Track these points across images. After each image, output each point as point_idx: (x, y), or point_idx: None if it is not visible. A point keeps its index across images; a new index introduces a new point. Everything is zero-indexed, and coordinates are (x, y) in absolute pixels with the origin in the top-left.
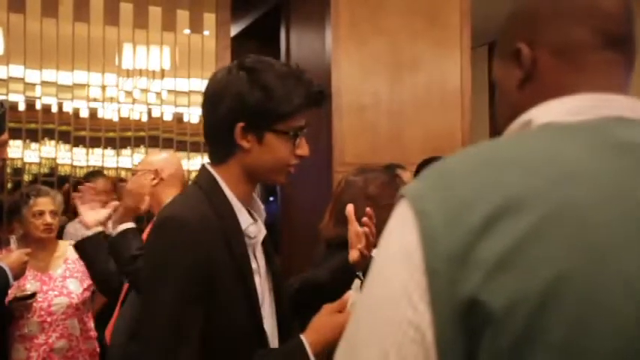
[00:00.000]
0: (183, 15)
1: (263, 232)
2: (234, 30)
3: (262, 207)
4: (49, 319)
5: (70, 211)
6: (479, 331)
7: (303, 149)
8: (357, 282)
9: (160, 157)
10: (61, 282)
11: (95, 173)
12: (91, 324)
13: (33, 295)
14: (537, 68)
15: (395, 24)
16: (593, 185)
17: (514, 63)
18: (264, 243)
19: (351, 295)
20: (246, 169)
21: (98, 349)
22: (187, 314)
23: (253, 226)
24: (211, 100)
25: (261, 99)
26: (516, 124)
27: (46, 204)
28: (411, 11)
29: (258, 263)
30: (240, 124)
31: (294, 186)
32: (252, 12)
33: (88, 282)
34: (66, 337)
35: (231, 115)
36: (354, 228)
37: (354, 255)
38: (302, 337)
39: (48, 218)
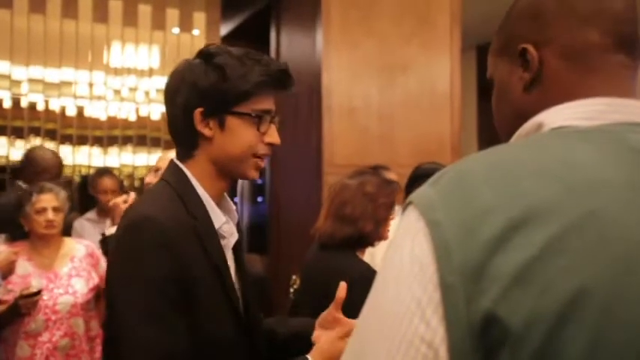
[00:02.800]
0: (172, 14)
1: (235, 235)
2: (224, 30)
3: (233, 207)
4: (53, 318)
5: (77, 208)
6: (496, 347)
7: (273, 136)
8: None
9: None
10: (67, 280)
11: (103, 171)
12: (96, 323)
13: (38, 292)
14: (545, 70)
15: (385, 26)
16: (613, 195)
17: (518, 64)
18: (234, 247)
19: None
20: (214, 161)
21: (99, 349)
22: (169, 319)
23: (227, 225)
24: (169, 93)
25: (215, 80)
26: (526, 128)
27: (48, 200)
28: (402, 13)
29: (229, 266)
30: (199, 110)
31: (283, 187)
32: (242, 12)
33: (93, 282)
34: (70, 335)
35: (189, 103)
36: (333, 312)
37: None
38: (308, 357)
39: (50, 215)
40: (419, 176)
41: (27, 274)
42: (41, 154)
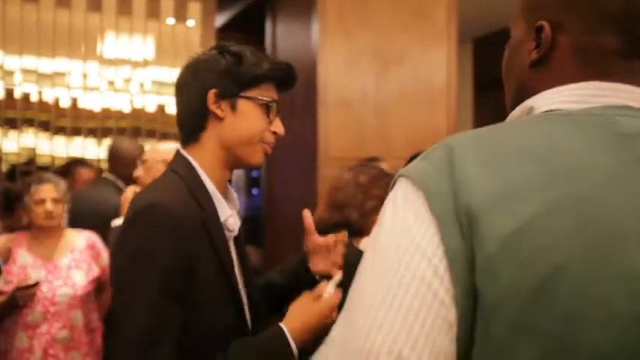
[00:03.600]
0: (167, 4)
1: (238, 224)
2: (219, 21)
3: (236, 196)
4: (52, 310)
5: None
6: (475, 319)
7: (278, 127)
8: (337, 276)
9: (170, 146)
10: (66, 272)
11: (80, 162)
12: (95, 315)
13: (36, 284)
14: (554, 55)
15: (381, 18)
16: (596, 179)
17: (532, 37)
18: (237, 237)
19: (330, 286)
20: (221, 143)
21: (98, 341)
22: (166, 310)
23: (232, 219)
24: (184, 80)
25: (231, 63)
26: (517, 112)
27: (47, 191)
28: (398, 5)
29: (232, 257)
30: (213, 91)
31: (279, 179)
32: (238, 2)
33: (93, 274)
34: (69, 327)
35: (204, 86)
36: (314, 239)
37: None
38: (282, 324)
39: (49, 206)
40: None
41: (26, 264)
42: (125, 146)
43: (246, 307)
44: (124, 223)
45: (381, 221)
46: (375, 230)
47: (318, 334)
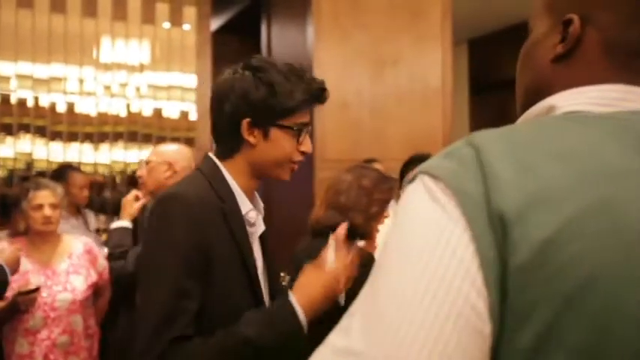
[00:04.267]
0: (162, 8)
1: (262, 226)
2: (215, 24)
3: (262, 205)
4: (52, 315)
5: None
6: (502, 325)
7: (307, 145)
8: (332, 242)
9: (173, 148)
10: (65, 277)
11: (73, 167)
12: (93, 321)
13: (37, 289)
14: (579, 50)
15: (376, 19)
16: (627, 184)
17: (558, 30)
18: (262, 239)
19: (329, 253)
20: (252, 165)
21: (96, 346)
22: (187, 291)
23: (253, 212)
24: (218, 99)
25: (265, 95)
26: (536, 110)
27: (45, 197)
28: (393, 7)
29: (256, 256)
30: (247, 120)
31: (275, 181)
32: (233, 6)
33: (91, 279)
34: (68, 332)
35: (238, 112)
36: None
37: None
38: (290, 294)
39: (47, 211)
40: (414, 159)
41: (25, 270)
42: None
43: (266, 297)
44: (150, 211)
45: (403, 221)
46: (396, 231)
47: (324, 305)
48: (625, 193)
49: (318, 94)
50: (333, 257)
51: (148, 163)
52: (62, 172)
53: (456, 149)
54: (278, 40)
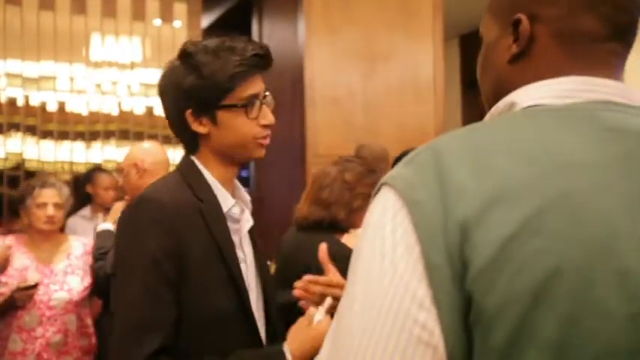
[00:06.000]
0: (153, 5)
1: (250, 221)
2: (206, 21)
3: (248, 198)
4: (47, 313)
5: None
6: (472, 328)
7: (267, 117)
8: (327, 302)
9: (139, 148)
10: (63, 277)
11: (101, 169)
12: (88, 321)
13: (35, 285)
14: (534, 46)
15: (367, 15)
16: (587, 176)
17: (509, 32)
18: (251, 233)
19: (316, 311)
20: (217, 153)
21: (92, 345)
22: (159, 298)
23: (237, 208)
24: (160, 96)
25: (194, 80)
26: (499, 107)
27: (49, 196)
28: (383, 2)
29: (245, 252)
30: (189, 111)
31: (267, 178)
32: (224, 2)
33: (88, 280)
34: (63, 332)
35: (178, 105)
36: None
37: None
38: (284, 345)
39: (50, 210)
40: (404, 155)
41: (24, 267)
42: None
43: (252, 295)
44: (121, 215)
45: (363, 234)
46: (358, 244)
47: (313, 356)
48: (583, 185)
49: (253, 61)
50: (322, 318)
51: (121, 170)
52: (89, 174)
53: (416, 155)
54: (269, 36)
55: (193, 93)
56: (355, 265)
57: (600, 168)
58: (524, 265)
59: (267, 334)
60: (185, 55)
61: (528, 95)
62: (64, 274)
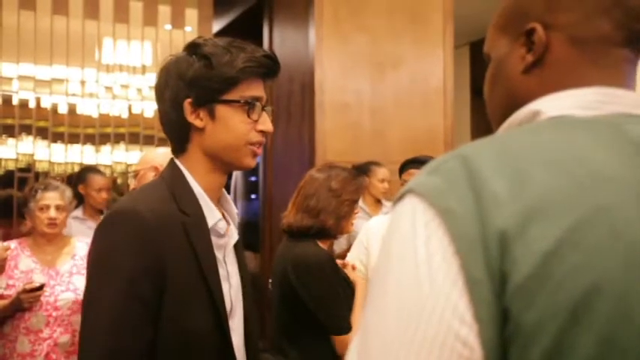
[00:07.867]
0: (164, 10)
1: (235, 236)
2: (217, 26)
3: (235, 210)
4: (54, 314)
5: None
6: (508, 344)
7: (265, 124)
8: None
9: (159, 152)
10: (68, 278)
11: (94, 169)
12: None
13: (41, 286)
14: (550, 54)
15: (378, 22)
16: (621, 190)
17: (522, 43)
18: (236, 248)
19: None
20: (207, 153)
21: None
22: (132, 316)
23: (223, 222)
24: (158, 88)
25: (201, 68)
26: (520, 116)
27: (52, 198)
28: (394, 9)
29: (228, 270)
30: (188, 101)
31: (276, 184)
32: (235, 8)
33: None
34: (70, 332)
35: (178, 95)
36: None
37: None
38: None
39: (52, 213)
40: (409, 161)
41: (29, 269)
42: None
43: (236, 314)
44: (96, 227)
45: (389, 244)
46: (383, 256)
47: None
48: (617, 198)
49: (263, 61)
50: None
51: (136, 173)
52: (81, 174)
53: (442, 163)
54: (279, 42)
55: (197, 81)
56: (384, 276)
57: (631, 182)
58: (564, 281)
59: (246, 355)
60: (193, 45)
61: (553, 105)
62: (70, 274)
